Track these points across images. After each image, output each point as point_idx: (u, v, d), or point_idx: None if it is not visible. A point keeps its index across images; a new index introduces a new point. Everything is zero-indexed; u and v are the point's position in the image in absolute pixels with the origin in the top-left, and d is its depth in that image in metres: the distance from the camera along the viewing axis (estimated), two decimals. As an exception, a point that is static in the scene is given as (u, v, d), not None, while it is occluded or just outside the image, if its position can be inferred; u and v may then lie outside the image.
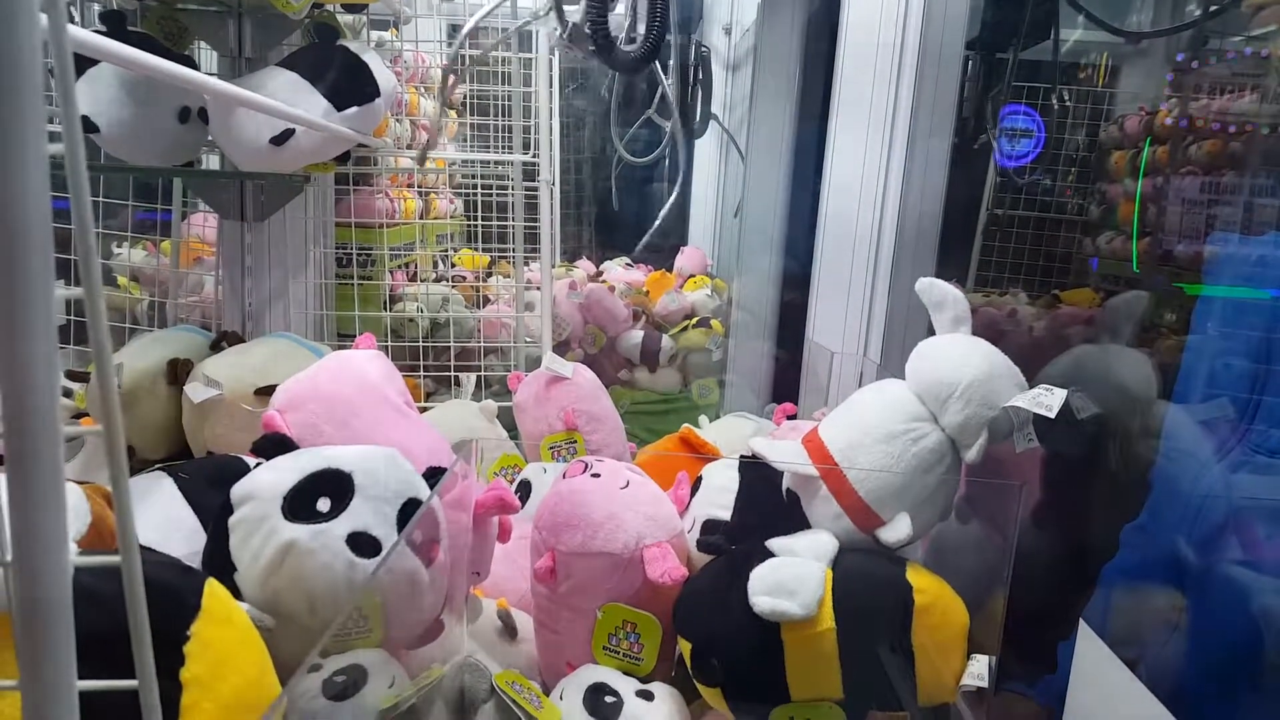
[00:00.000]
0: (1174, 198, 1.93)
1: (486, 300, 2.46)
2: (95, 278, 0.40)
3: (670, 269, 3.05)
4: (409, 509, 0.70)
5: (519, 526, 1.26)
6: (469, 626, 0.95)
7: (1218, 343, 0.90)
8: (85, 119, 1.26)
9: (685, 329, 2.57)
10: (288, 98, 1.29)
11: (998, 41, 2.53)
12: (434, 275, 2.71)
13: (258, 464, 1.01)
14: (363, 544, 0.66)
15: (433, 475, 0.78)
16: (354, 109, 1.36)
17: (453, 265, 2.87)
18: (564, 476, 1.03)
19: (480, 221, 2.35)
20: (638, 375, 2.55)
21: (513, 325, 2.13)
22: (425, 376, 1.99)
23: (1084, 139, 2.74)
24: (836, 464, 0.90)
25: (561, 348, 2.49)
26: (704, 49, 2.24)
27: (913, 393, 0.91)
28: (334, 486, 0.68)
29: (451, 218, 2.94)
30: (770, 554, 0.89)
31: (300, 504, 0.66)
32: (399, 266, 2.28)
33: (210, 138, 1.32)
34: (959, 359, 0.89)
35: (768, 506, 0.97)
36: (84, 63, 1.29)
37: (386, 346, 1.86)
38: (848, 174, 1.67)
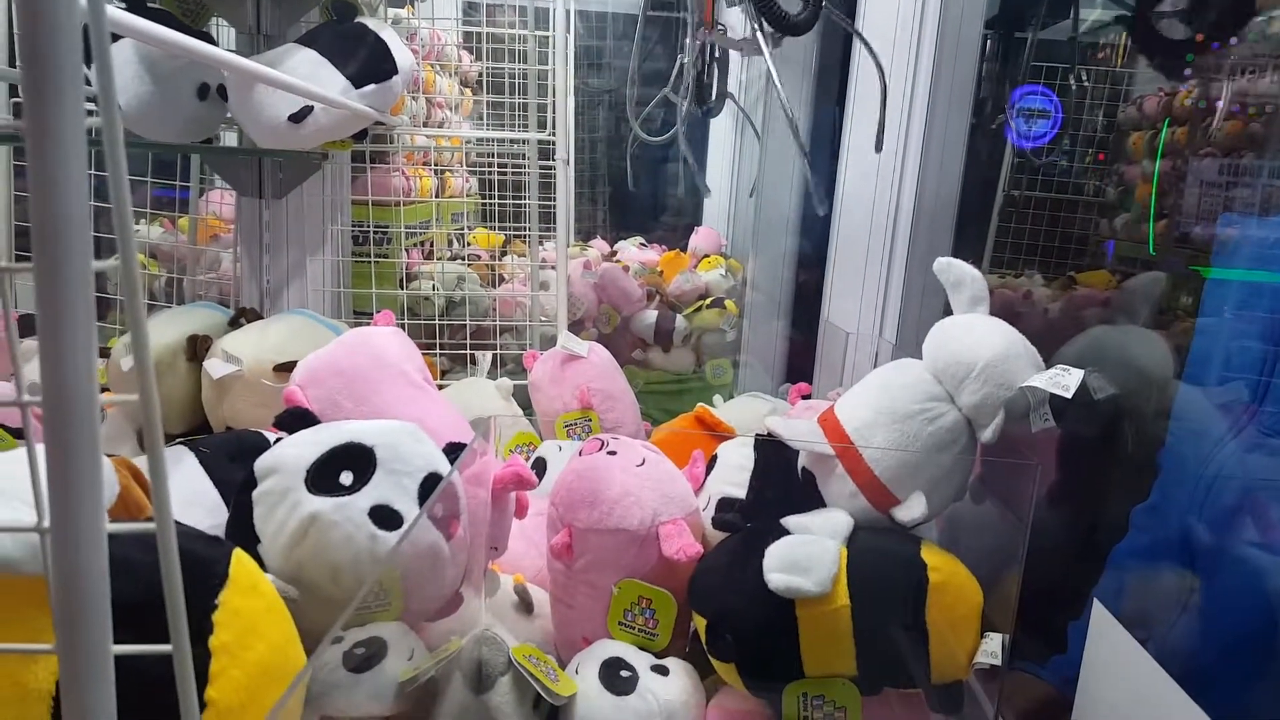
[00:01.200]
0: (1192, 179, 1.92)
1: (501, 279, 2.47)
2: (131, 254, 0.40)
3: (684, 249, 3.04)
4: (430, 483, 0.71)
5: (535, 503, 1.27)
6: (487, 601, 0.96)
7: (1229, 325, 0.90)
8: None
9: (699, 309, 2.57)
10: (307, 75, 1.29)
11: (1017, 21, 2.51)
12: (449, 254, 2.72)
13: (278, 439, 1.02)
14: (384, 517, 0.67)
15: (452, 451, 0.78)
16: (372, 86, 1.36)
17: (468, 244, 2.88)
18: (580, 454, 1.03)
19: (496, 201, 2.36)
20: (651, 355, 2.56)
21: (528, 304, 2.13)
22: (441, 354, 2.01)
23: (1102, 120, 2.71)
24: (852, 443, 0.90)
25: (575, 327, 2.49)
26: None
27: (929, 372, 0.91)
28: (356, 460, 0.69)
29: (467, 196, 2.95)
30: (785, 532, 0.90)
31: (323, 477, 0.67)
32: (415, 245, 2.29)
33: (229, 115, 1.33)
34: (976, 339, 0.89)
35: (783, 485, 0.98)
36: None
37: (403, 324, 1.86)
38: (865, 154, 1.66)
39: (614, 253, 3.01)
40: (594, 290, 2.53)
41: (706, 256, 2.93)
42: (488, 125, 2.66)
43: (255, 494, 0.68)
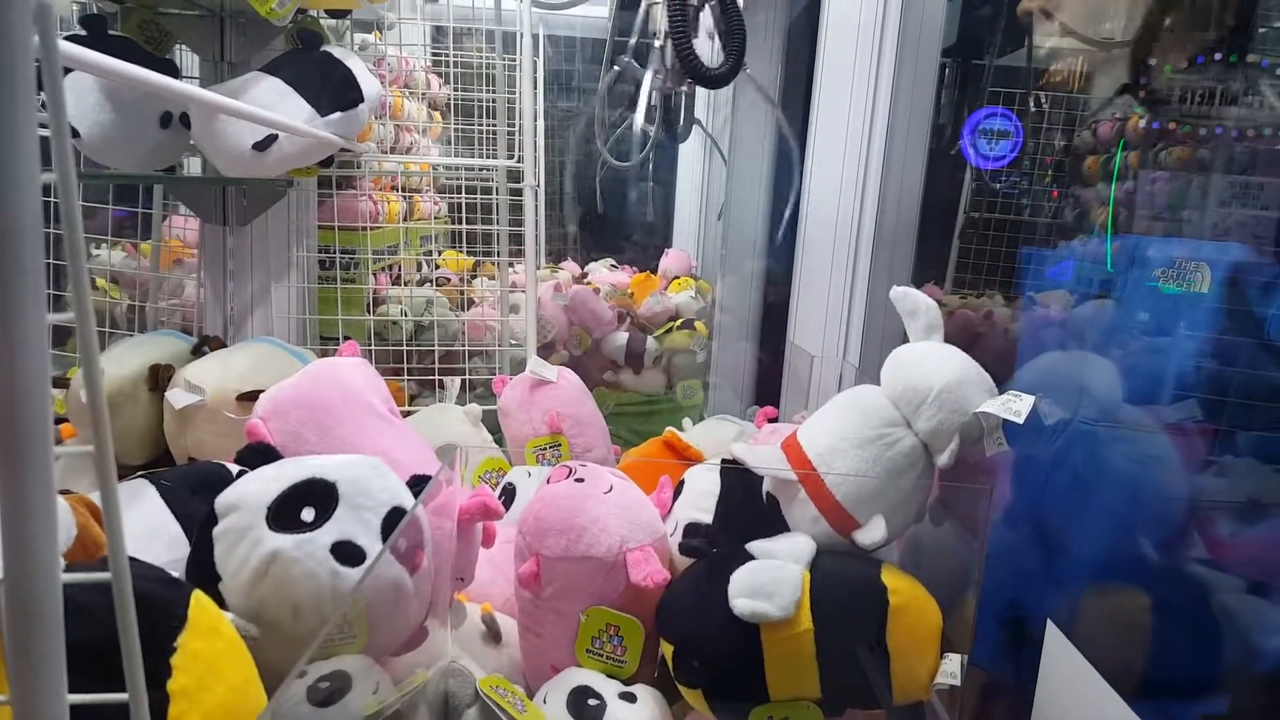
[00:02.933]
0: (1144, 201, 1.98)
1: (471, 302, 2.47)
2: (85, 292, 0.41)
3: (655, 271, 3.07)
4: (394, 517, 0.71)
5: (503, 531, 1.27)
6: (453, 632, 0.96)
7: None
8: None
9: (670, 330, 2.59)
10: (271, 103, 1.30)
11: (974, 47, 2.57)
12: (418, 277, 2.72)
13: (241, 472, 1.02)
14: (347, 553, 0.67)
15: (417, 483, 0.79)
16: (338, 114, 1.37)
17: (436, 267, 2.88)
18: (548, 481, 1.04)
19: (465, 225, 2.36)
20: (622, 377, 2.57)
21: (497, 328, 2.14)
22: (409, 379, 2.00)
23: (1059, 143, 2.77)
24: (814, 469, 0.91)
25: (546, 350, 2.50)
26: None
27: (887, 398, 0.93)
28: (318, 496, 0.69)
29: (436, 219, 2.95)
30: (750, 556, 0.91)
31: (285, 514, 0.67)
32: (382, 269, 2.29)
33: (193, 142, 1.33)
34: (932, 366, 0.91)
35: (748, 509, 0.99)
36: (66, 67, 1.29)
37: (370, 350, 1.87)
38: (827, 179, 1.69)
39: (585, 275, 3.02)
40: (565, 313, 2.53)
41: (677, 278, 2.96)
42: (456, 150, 2.66)
43: (216, 531, 0.68)
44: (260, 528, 0.66)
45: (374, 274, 2.17)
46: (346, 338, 1.95)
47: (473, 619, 1.06)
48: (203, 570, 0.67)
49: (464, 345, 2.07)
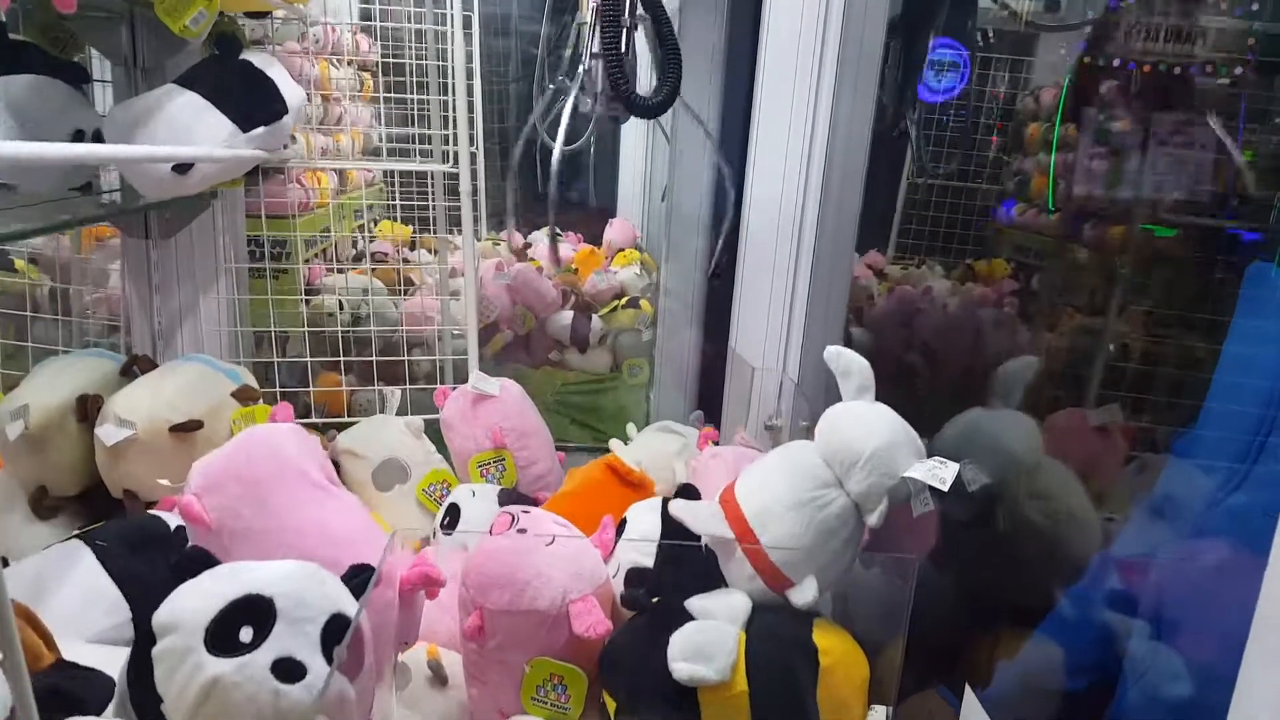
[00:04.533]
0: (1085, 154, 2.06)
1: (409, 282, 2.42)
2: None
3: (599, 241, 3.04)
4: (333, 625, 0.72)
5: (449, 561, 1.28)
6: (398, 692, 0.98)
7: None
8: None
9: (615, 309, 2.59)
10: (189, 121, 1.24)
11: (920, 15, 2.56)
12: (354, 253, 2.65)
13: (178, 527, 1.01)
14: (287, 670, 0.67)
15: (355, 574, 0.79)
16: (261, 129, 1.32)
17: (372, 239, 2.80)
18: (490, 532, 1.05)
19: (399, 200, 2.29)
20: (568, 356, 2.57)
21: (437, 318, 2.11)
22: (347, 375, 1.97)
23: (999, 110, 2.79)
24: (750, 528, 0.94)
25: (489, 330, 2.48)
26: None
27: (821, 458, 0.96)
28: (256, 614, 0.69)
29: (369, 186, 2.87)
30: (688, 613, 0.94)
31: (223, 635, 0.67)
32: (316, 255, 2.23)
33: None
34: (864, 429, 0.93)
35: (687, 559, 1.01)
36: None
37: (305, 341, 1.83)
38: (770, 161, 1.68)
39: (528, 245, 2.98)
40: (508, 292, 2.51)
41: (621, 250, 2.94)
42: (388, 116, 2.55)
43: (155, 652, 0.68)
44: (199, 651, 0.66)
45: (307, 262, 2.11)
46: (283, 334, 1.92)
47: (419, 662, 1.07)
48: (144, 691, 0.67)
49: (403, 335, 2.04)
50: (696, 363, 2.19)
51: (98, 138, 1.26)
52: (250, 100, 1.29)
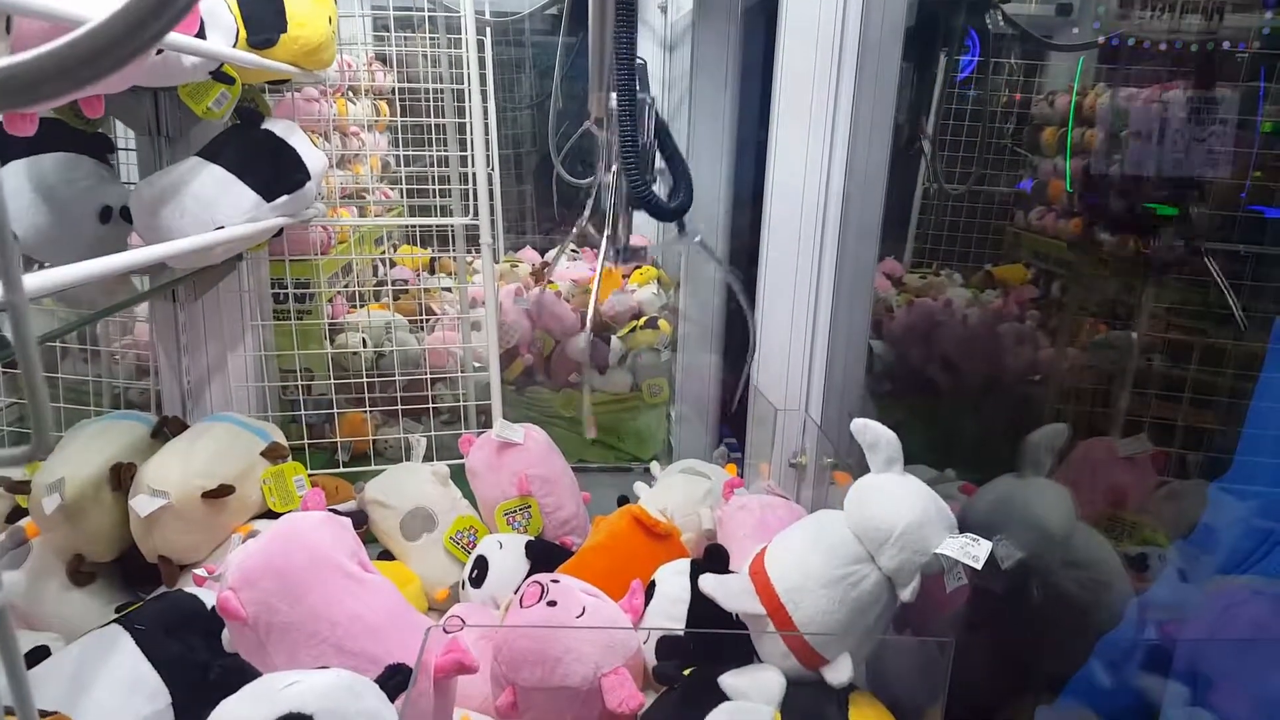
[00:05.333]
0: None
1: (430, 312, 2.43)
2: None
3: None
4: (373, 737, 0.73)
5: (478, 615, 1.30)
6: (436, 774, 0.99)
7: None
8: None
9: (633, 329, 2.59)
10: (214, 196, 1.25)
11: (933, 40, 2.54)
12: (374, 280, 2.67)
13: (214, 606, 1.02)
14: (330, 790, 0.68)
15: (392, 675, 0.80)
16: (284, 198, 1.32)
17: (392, 265, 2.82)
18: (520, 605, 1.05)
19: (421, 220, 2.30)
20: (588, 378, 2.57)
21: (459, 354, 2.12)
22: (372, 410, 1.99)
23: (1016, 114, 2.76)
24: (782, 604, 0.94)
25: (510, 354, 2.49)
26: (640, 60, 2.20)
27: (851, 532, 0.96)
28: (298, 733, 0.70)
29: (389, 212, 2.88)
30: (721, 691, 0.94)
31: (267, 756, 0.69)
32: (338, 292, 2.24)
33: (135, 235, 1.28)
34: (893, 505, 0.93)
35: (719, 626, 1.02)
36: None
37: (329, 382, 1.85)
38: (789, 183, 1.67)
39: (545, 265, 2.98)
40: (527, 317, 2.52)
41: (639, 267, 2.94)
42: (404, 139, 2.55)
43: (200, 775, 0.69)
44: (244, 776, 0.67)
45: (330, 301, 2.13)
46: (308, 370, 1.94)
47: (454, 733, 1.08)
48: (189, 812, 0.69)
49: (427, 375, 2.06)
50: (717, 389, 2.19)
51: (125, 213, 1.28)
52: (273, 170, 1.30)
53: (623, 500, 1.62)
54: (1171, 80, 1.82)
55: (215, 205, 1.23)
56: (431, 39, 1.94)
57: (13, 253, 0.34)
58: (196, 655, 1.01)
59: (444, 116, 1.83)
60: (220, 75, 1.18)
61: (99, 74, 0.33)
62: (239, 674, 0.74)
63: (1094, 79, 2.27)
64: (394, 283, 2.58)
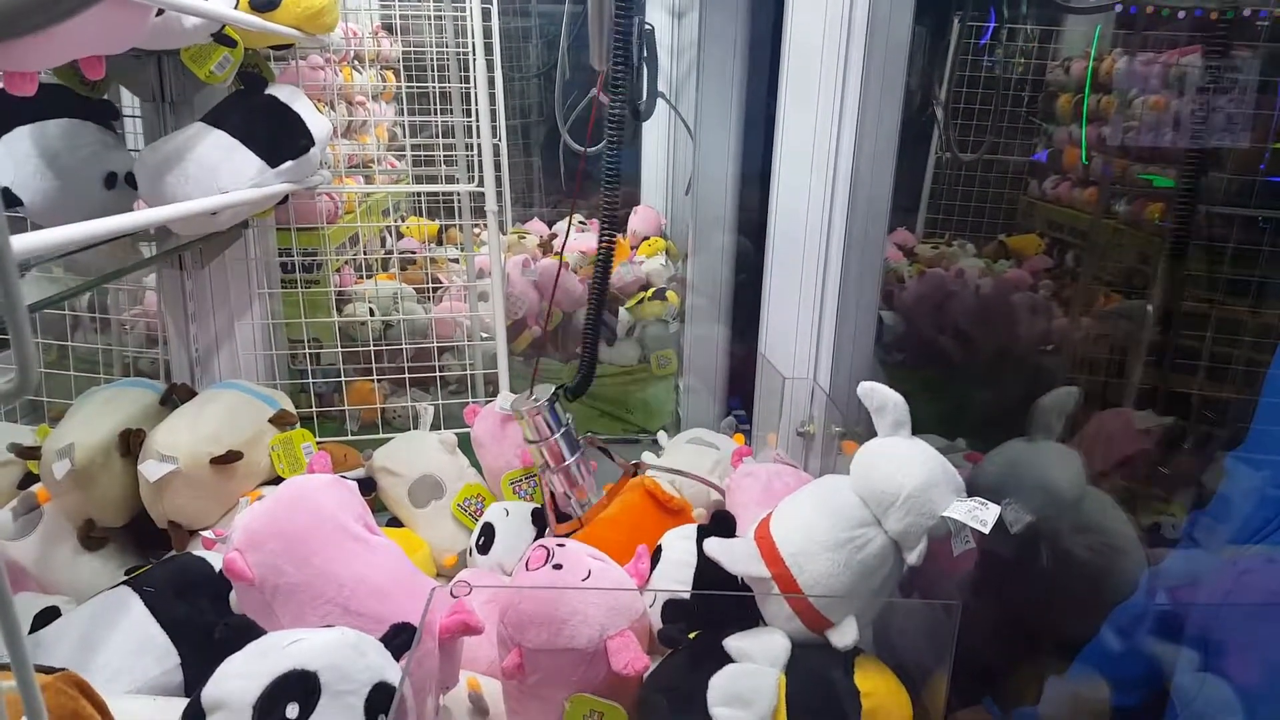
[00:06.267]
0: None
1: (437, 282, 2.43)
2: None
3: (624, 227, 3.02)
4: (376, 694, 0.73)
5: (485, 581, 1.30)
6: (442, 733, 0.99)
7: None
8: (7, 191, 1.21)
9: (641, 301, 2.58)
10: (218, 161, 1.25)
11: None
12: (382, 252, 2.66)
13: (221, 571, 1.03)
14: (335, 743, 0.69)
15: (396, 634, 0.80)
16: (289, 164, 1.32)
17: (400, 236, 2.81)
18: (526, 567, 1.05)
19: (426, 187, 2.28)
20: (596, 350, 2.56)
21: (466, 323, 2.11)
22: (380, 380, 1.99)
23: (1031, 80, 2.72)
24: (787, 568, 0.94)
25: (517, 326, 2.49)
26: (648, 26, 2.17)
27: (858, 496, 0.95)
28: (300, 689, 0.70)
29: (397, 181, 2.87)
30: (726, 654, 0.94)
31: (269, 712, 0.69)
32: (346, 262, 2.24)
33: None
34: (899, 467, 0.92)
35: (724, 588, 1.02)
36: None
37: (338, 350, 1.85)
38: (797, 154, 1.65)
39: (553, 236, 2.97)
40: (535, 289, 2.51)
41: (646, 239, 2.92)
42: (409, 109, 2.53)
43: (205, 730, 0.70)
44: (248, 730, 0.68)
45: (337, 270, 2.12)
46: (316, 340, 1.94)
47: (460, 697, 1.09)
48: (196, 767, 0.69)
49: (434, 344, 2.05)
50: (725, 360, 2.18)
51: (129, 179, 1.27)
52: (277, 136, 1.29)
53: (633, 470, 1.62)
54: (1190, 45, 1.78)
55: (219, 170, 1.22)
56: (436, 3, 1.92)
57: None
58: (205, 617, 1.02)
59: (449, 83, 1.81)
60: (222, 38, 1.17)
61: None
62: (244, 632, 0.75)
63: (1111, 44, 2.22)
64: (401, 253, 2.58)
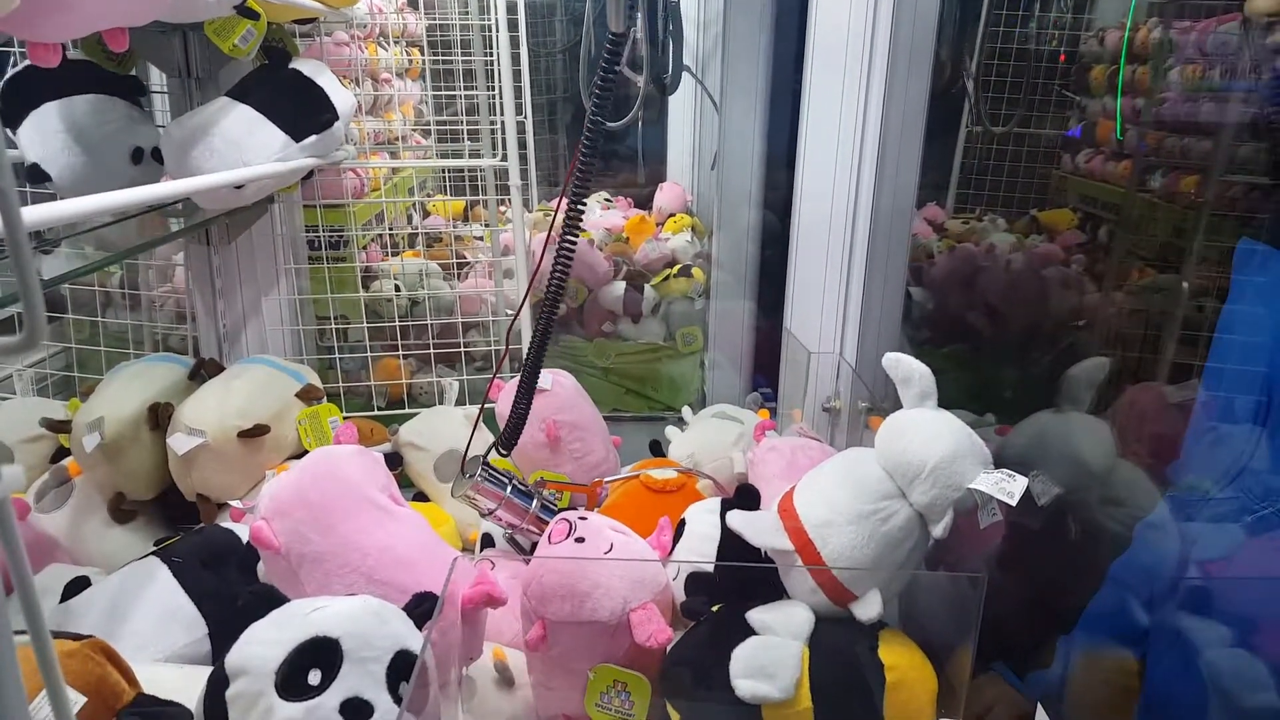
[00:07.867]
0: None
1: (463, 260, 2.43)
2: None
3: (649, 206, 3.00)
4: (398, 662, 0.73)
5: (507, 562, 1.30)
6: (466, 703, 1.00)
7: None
8: (35, 167, 1.22)
9: (667, 278, 2.56)
10: (242, 135, 1.25)
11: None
12: (409, 229, 2.66)
13: (249, 541, 1.04)
14: (355, 709, 0.69)
15: (419, 603, 0.81)
16: (313, 138, 1.32)
17: (426, 214, 2.82)
18: (549, 540, 1.06)
19: (450, 162, 2.28)
20: (621, 327, 2.56)
21: (491, 299, 2.12)
22: (406, 356, 2.00)
23: (1064, 51, 2.65)
24: (810, 540, 0.93)
25: (543, 303, 2.48)
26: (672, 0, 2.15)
27: (882, 467, 0.94)
28: (323, 656, 0.71)
29: (424, 157, 2.86)
30: (749, 626, 0.94)
31: (292, 678, 0.69)
32: (373, 239, 2.24)
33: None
34: (925, 439, 0.90)
35: (748, 562, 1.01)
36: (28, 102, 1.25)
37: (364, 326, 1.86)
38: (822, 132, 1.62)
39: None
40: (559, 265, 2.50)
41: (672, 215, 2.90)
42: (434, 85, 2.53)
43: (229, 695, 0.70)
44: (270, 695, 0.68)
45: (364, 248, 2.13)
46: (343, 316, 1.95)
47: (485, 665, 1.10)
48: (220, 729, 0.70)
49: (459, 321, 2.06)
50: (751, 337, 2.16)
51: (156, 154, 1.28)
52: (301, 110, 1.29)
53: (654, 445, 1.62)
54: (1229, 13, 1.72)
55: (244, 145, 1.23)
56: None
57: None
58: (232, 588, 1.03)
59: (473, 58, 1.80)
60: (245, 10, 1.17)
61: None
62: (268, 600, 0.75)
63: (1147, 14, 2.16)
64: (427, 230, 2.58)
